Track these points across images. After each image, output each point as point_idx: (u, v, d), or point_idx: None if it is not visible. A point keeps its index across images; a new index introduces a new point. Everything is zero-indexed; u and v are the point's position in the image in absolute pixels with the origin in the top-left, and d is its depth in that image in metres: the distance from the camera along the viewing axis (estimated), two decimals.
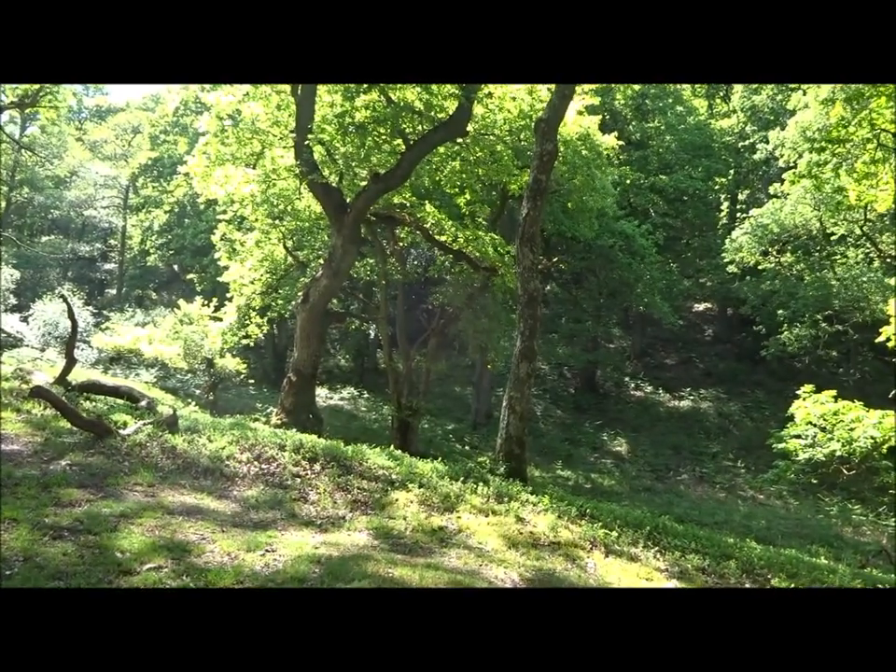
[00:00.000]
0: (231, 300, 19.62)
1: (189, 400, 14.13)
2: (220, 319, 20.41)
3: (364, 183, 15.30)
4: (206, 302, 21.49)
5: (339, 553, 4.84)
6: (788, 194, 20.70)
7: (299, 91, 14.31)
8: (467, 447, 21.19)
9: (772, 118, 27.97)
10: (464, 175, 17.20)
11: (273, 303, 19.58)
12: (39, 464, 5.98)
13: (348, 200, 15.46)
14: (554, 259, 25.96)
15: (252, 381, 22.82)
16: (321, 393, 24.30)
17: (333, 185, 15.52)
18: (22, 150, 38.87)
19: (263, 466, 6.83)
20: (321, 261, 17.51)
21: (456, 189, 17.63)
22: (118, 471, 6.04)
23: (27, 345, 22.58)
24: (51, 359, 19.21)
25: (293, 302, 18.62)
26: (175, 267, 34.95)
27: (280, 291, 19.56)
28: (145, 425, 7.19)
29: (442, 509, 6.45)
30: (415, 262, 25.00)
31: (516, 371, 9.39)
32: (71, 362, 8.74)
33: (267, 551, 4.72)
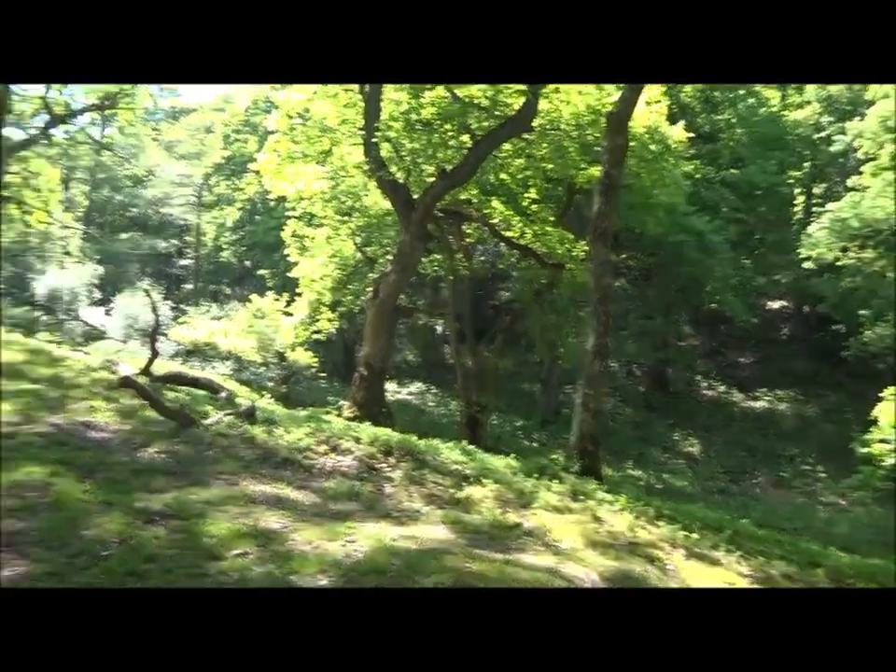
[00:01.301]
0: (301, 295, 20.02)
1: (263, 393, 14.46)
2: (291, 314, 20.87)
3: (431, 179, 15.34)
4: (278, 297, 21.99)
5: (417, 546, 4.86)
6: (867, 187, 19.74)
7: (366, 89, 14.46)
8: (535, 444, 21.06)
9: (849, 108, 26.71)
10: (529, 171, 17.05)
11: (343, 298, 19.86)
12: (129, 451, 6.21)
13: (415, 196, 15.52)
14: (623, 256, 25.53)
15: (323, 374, 23.22)
16: (389, 387, 24.54)
17: (400, 181, 15.61)
18: (103, 151, 40.60)
19: (339, 458, 6.93)
20: (389, 257, 17.67)
21: (521, 188, 17.50)
22: (202, 460, 6.22)
23: (110, 338, 23.62)
24: (132, 351, 20.01)
25: (362, 297, 18.86)
26: (248, 263, 35.91)
27: (349, 287, 19.83)
28: (225, 415, 7.39)
29: (518, 505, 6.42)
30: (482, 258, 24.97)
31: (590, 368, 9.27)
32: (154, 354, 9.08)
33: (347, 541, 4.78)
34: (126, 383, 7.32)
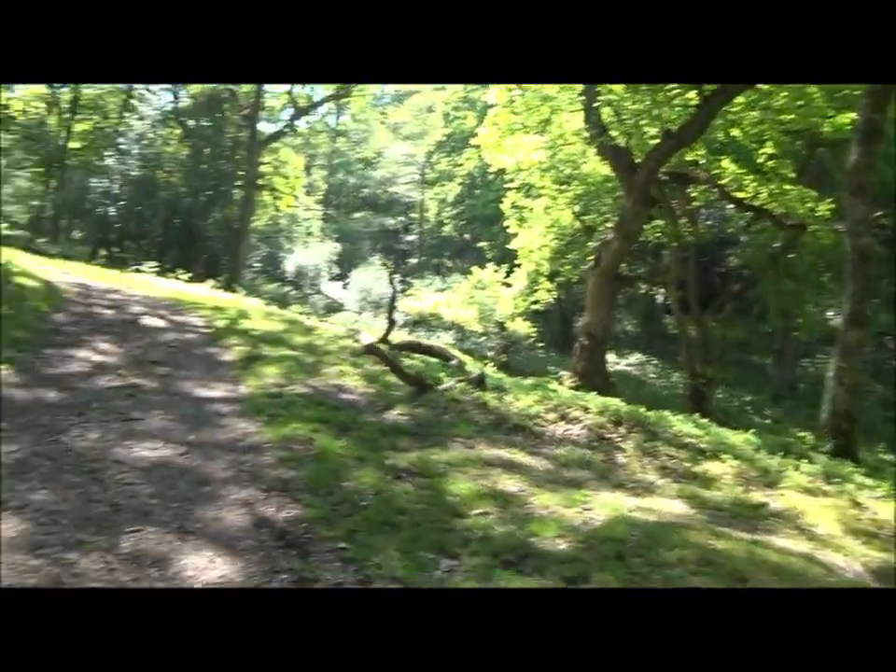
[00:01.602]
0: (520, 266, 20.29)
1: (486, 361, 14.95)
2: (510, 285, 21.26)
3: (654, 141, 14.65)
4: (497, 269, 22.48)
5: (655, 518, 4.75)
6: None
7: None
8: (767, 420, 19.55)
9: None
10: (765, 125, 15.57)
11: (561, 268, 19.82)
12: (374, 412, 6.75)
13: (638, 160, 14.94)
14: (877, 213, 22.54)
15: (541, 344, 23.46)
16: (608, 358, 24.14)
17: (622, 145, 15.11)
18: (338, 137, 44.14)
19: (568, 426, 6.96)
20: (609, 225, 17.27)
21: (755, 144, 16.04)
22: (439, 423, 6.58)
23: (347, 310, 25.84)
24: (366, 322, 21.66)
25: (581, 267, 18.67)
26: (468, 236, 37.12)
27: (567, 256, 19.72)
28: (458, 382, 7.73)
29: (762, 484, 6.02)
30: (708, 222, 23.47)
31: (844, 338, 8.36)
32: (392, 324, 9.75)
33: (584, 509, 4.81)
34: (370, 350, 7.97)
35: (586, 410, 7.33)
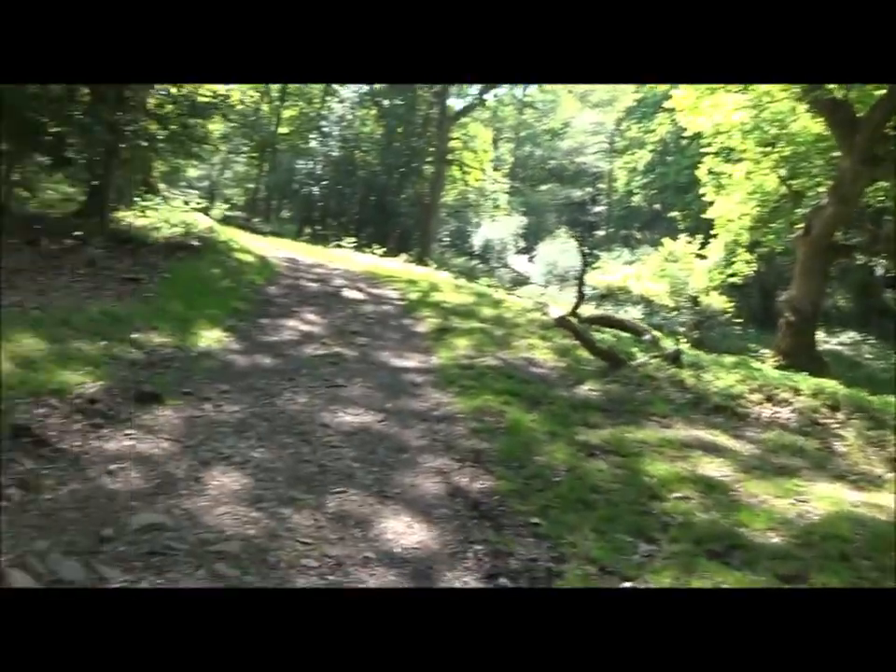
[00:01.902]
0: (716, 236, 19.05)
1: (678, 337, 14.24)
2: (705, 257, 20.05)
3: (881, 92, 12.95)
4: (690, 240, 21.29)
5: (886, 516, 4.24)
6: None
7: None
8: None
9: None
10: None
11: (763, 238, 18.34)
12: (566, 387, 6.65)
13: (859, 115, 13.33)
14: None
15: (738, 320, 21.96)
16: (816, 336, 22.08)
17: (840, 99, 13.53)
18: (525, 109, 43.95)
19: (776, 409, 6.42)
20: (820, 189, 15.65)
21: None
22: (633, 400, 6.35)
23: (533, 283, 25.81)
24: (551, 295, 21.48)
25: (785, 236, 17.14)
26: (658, 206, 35.52)
27: (770, 225, 18.17)
28: (652, 358, 7.41)
29: None
30: None
31: None
32: (581, 297, 9.55)
33: (798, 500, 4.40)
34: (561, 323, 7.86)
35: (797, 392, 6.72)
